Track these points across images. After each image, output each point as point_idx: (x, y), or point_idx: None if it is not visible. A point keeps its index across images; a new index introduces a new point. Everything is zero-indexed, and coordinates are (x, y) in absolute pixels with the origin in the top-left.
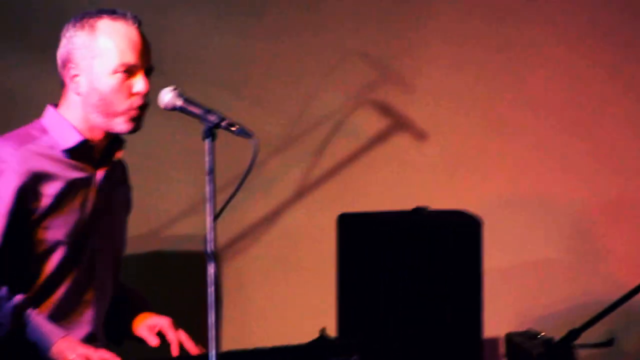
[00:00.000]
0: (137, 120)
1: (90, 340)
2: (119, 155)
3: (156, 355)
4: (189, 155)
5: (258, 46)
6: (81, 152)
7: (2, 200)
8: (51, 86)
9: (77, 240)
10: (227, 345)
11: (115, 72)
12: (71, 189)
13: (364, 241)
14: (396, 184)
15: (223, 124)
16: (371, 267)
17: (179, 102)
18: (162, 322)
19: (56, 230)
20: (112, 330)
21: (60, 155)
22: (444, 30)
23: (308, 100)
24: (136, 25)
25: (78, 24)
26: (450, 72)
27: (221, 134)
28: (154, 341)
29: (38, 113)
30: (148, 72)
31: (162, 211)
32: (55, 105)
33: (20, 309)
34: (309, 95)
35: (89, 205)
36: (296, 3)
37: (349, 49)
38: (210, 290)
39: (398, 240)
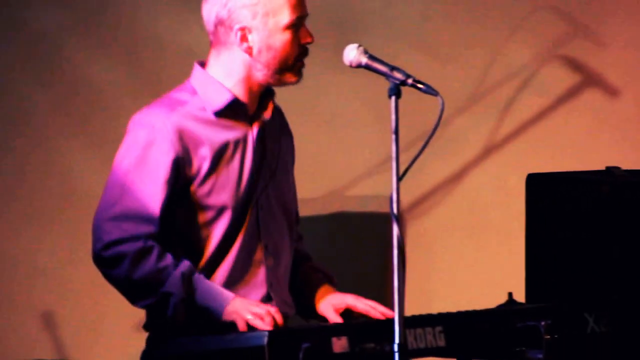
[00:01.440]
0: (301, 70)
1: (266, 301)
2: (271, 106)
3: None
4: (373, 114)
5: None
6: (233, 111)
7: (159, 170)
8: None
9: (241, 201)
10: (411, 309)
11: (288, 26)
12: (227, 150)
13: (554, 202)
14: (587, 142)
15: (409, 81)
16: (561, 229)
17: (364, 60)
18: (348, 300)
19: (219, 195)
20: (299, 307)
21: (212, 117)
22: None
23: (495, 56)
24: None
25: None
26: None
27: (406, 92)
28: (332, 318)
29: (185, 60)
30: None
31: (347, 171)
32: (203, 63)
33: (189, 274)
34: (496, 51)
35: (248, 163)
36: None
37: (538, 2)
38: (395, 252)
39: (589, 201)
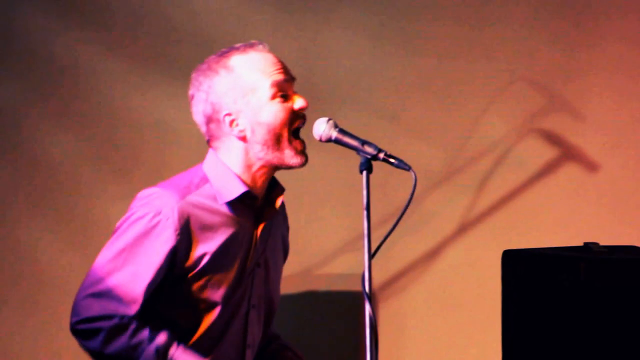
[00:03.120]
0: (303, 152)
1: None
2: (279, 202)
3: None
4: (343, 190)
5: (418, 69)
6: (243, 204)
7: (153, 257)
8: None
9: (233, 300)
10: None
11: (273, 97)
12: (230, 246)
13: (531, 279)
14: (564, 218)
15: (380, 155)
16: (538, 307)
17: (334, 134)
18: None
19: (213, 291)
20: None
21: (222, 208)
22: (617, 57)
23: (471, 129)
24: (263, 46)
25: (209, 73)
26: (622, 101)
27: (377, 166)
28: None
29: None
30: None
31: (316, 249)
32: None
33: (164, 349)
34: (473, 124)
35: (248, 262)
36: (462, 25)
37: (517, 75)
38: (367, 331)
39: (567, 278)
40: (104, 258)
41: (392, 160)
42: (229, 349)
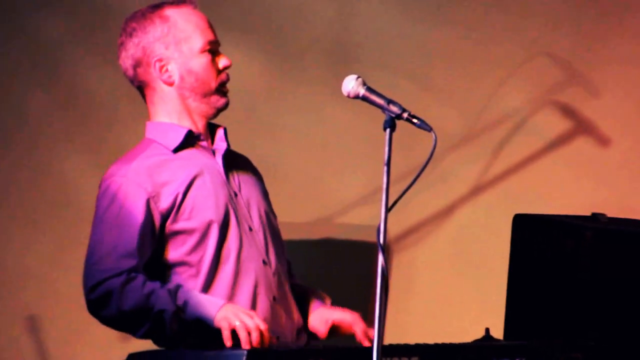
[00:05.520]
0: (226, 95)
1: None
2: (220, 131)
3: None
4: (366, 145)
5: (445, 37)
6: (191, 143)
7: (131, 210)
8: None
9: (227, 220)
10: (390, 338)
11: (203, 50)
12: (196, 178)
13: (538, 243)
14: (575, 187)
15: (404, 115)
16: (543, 270)
17: (362, 91)
18: (340, 315)
19: (201, 213)
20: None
21: (173, 155)
22: (636, 33)
23: (491, 97)
24: (194, 5)
25: (143, 20)
26: (639, 77)
27: (401, 126)
28: (322, 331)
29: None
30: None
31: (337, 199)
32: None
33: (175, 290)
34: (492, 92)
35: (220, 181)
36: None
37: (537, 48)
38: (379, 281)
39: (573, 245)
40: (92, 234)
41: (415, 120)
42: (256, 268)
